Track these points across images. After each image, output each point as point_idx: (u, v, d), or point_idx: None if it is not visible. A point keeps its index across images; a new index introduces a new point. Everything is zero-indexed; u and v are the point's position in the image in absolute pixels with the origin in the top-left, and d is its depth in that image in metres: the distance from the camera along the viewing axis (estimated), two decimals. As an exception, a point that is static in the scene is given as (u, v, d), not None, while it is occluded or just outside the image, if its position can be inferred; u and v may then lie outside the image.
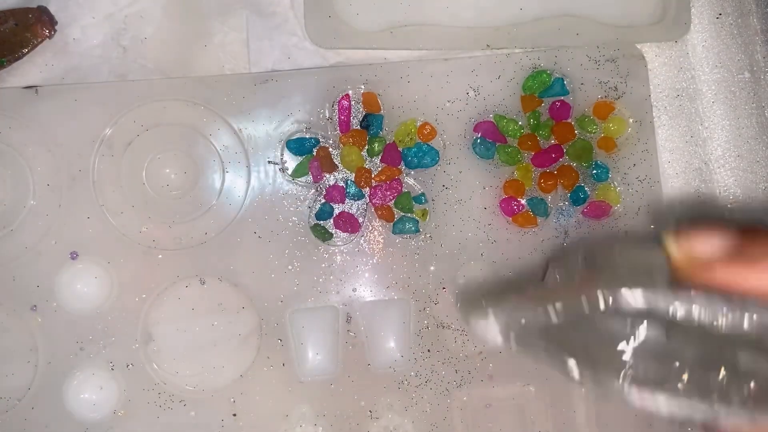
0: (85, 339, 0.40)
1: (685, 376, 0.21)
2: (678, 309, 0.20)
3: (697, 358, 0.21)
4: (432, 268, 0.41)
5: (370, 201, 0.41)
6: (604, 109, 0.41)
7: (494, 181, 0.41)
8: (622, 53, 0.42)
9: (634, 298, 0.20)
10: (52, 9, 0.41)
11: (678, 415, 0.21)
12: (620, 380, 0.21)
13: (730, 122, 0.43)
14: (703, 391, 0.21)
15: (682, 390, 0.21)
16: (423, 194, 0.41)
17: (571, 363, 0.22)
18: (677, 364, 0.21)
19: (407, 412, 0.41)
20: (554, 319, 0.22)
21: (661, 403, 0.21)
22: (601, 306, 0.21)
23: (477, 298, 0.23)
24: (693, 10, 0.43)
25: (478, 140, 0.41)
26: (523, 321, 0.22)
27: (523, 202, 0.41)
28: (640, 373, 0.21)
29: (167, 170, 0.41)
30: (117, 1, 0.41)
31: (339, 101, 0.41)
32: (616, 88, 0.42)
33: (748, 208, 0.42)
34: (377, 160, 0.41)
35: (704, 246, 0.21)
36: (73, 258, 0.40)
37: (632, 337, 0.22)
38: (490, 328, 0.23)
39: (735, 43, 0.43)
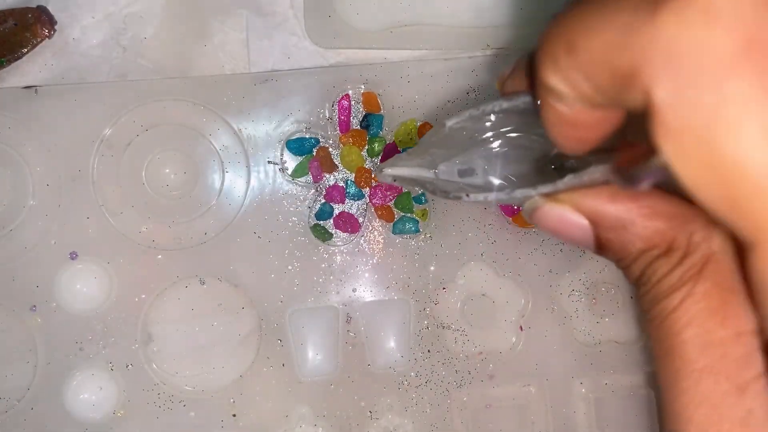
0: (85, 339, 0.40)
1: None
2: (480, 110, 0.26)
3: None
4: (432, 268, 0.41)
5: (370, 201, 0.41)
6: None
7: (494, 181, 0.41)
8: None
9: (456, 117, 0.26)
10: (52, 9, 0.41)
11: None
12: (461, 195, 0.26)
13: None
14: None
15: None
16: (423, 194, 0.41)
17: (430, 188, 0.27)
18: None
19: (407, 412, 0.41)
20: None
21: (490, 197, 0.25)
22: (447, 124, 0.26)
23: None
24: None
25: (478, 140, 0.41)
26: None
27: (523, 202, 0.41)
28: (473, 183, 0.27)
29: (167, 170, 0.41)
30: (117, 1, 0.41)
31: (339, 101, 0.41)
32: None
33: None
34: (377, 160, 0.41)
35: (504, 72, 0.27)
36: (72, 258, 0.40)
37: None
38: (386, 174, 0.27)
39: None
